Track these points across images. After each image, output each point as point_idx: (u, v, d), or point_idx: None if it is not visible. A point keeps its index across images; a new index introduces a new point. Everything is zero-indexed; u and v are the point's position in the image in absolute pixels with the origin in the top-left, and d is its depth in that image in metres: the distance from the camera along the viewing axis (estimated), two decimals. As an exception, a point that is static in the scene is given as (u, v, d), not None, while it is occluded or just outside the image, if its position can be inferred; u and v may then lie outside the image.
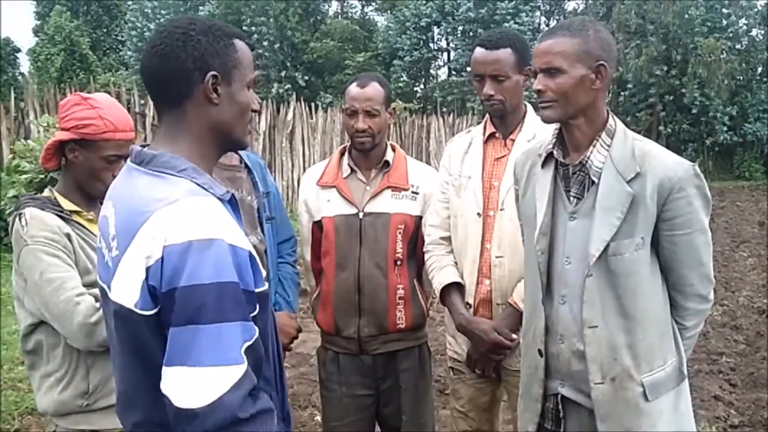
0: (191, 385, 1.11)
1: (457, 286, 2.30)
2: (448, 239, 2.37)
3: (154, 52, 1.29)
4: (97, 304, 1.77)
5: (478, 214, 2.26)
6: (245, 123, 1.38)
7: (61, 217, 1.89)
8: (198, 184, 1.24)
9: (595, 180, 1.73)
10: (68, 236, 1.87)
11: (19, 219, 1.86)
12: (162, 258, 1.15)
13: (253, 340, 1.18)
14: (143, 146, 1.33)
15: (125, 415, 1.32)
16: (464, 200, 2.30)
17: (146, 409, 1.25)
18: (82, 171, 1.93)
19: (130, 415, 1.30)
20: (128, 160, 1.36)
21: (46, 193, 1.99)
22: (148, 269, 1.16)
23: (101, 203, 1.99)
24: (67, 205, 1.93)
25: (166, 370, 1.13)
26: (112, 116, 1.91)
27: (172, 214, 1.17)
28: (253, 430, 1.14)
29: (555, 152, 1.80)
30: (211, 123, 1.32)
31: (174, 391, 1.12)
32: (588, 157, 1.74)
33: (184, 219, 1.17)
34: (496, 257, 2.22)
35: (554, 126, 1.82)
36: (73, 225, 1.91)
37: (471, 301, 2.28)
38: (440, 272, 2.33)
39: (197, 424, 1.10)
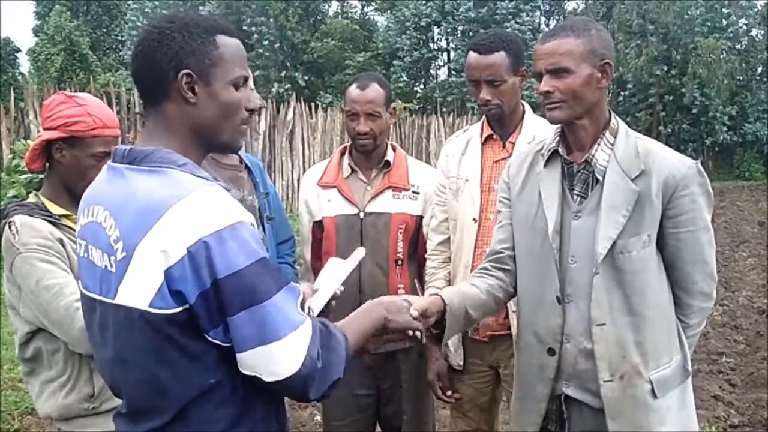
0: (279, 358, 1.18)
1: None
2: (446, 243, 2.37)
3: (136, 54, 1.29)
4: None
5: (474, 219, 2.25)
6: (234, 124, 1.34)
7: (51, 222, 1.85)
8: (201, 177, 1.24)
9: (600, 178, 1.73)
10: (61, 241, 1.82)
11: (9, 227, 1.81)
12: (189, 255, 1.14)
13: (301, 296, 1.26)
14: (127, 146, 1.31)
15: (138, 424, 1.29)
16: (461, 204, 2.29)
17: (165, 414, 1.24)
18: (70, 170, 1.89)
19: (145, 423, 1.27)
20: (110, 161, 1.33)
21: (32, 198, 1.94)
22: (169, 269, 1.15)
23: None
24: (56, 209, 1.89)
25: (245, 355, 1.19)
26: (99, 113, 1.88)
27: (188, 208, 1.16)
28: (333, 366, 1.26)
29: (560, 150, 1.79)
30: (191, 123, 1.30)
31: (264, 369, 1.19)
32: (593, 156, 1.74)
33: (202, 210, 1.17)
34: None
35: (554, 126, 1.82)
36: (64, 229, 1.87)
37: None
38: (427, 290, 2.37)
39: (297, 386, 1.22)
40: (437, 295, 1.80)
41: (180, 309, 1.17)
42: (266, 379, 1.20)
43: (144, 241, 1.17)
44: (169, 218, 1.16)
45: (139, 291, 1.18)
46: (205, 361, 1.22)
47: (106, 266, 1.25)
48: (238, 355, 1.20)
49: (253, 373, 1.21)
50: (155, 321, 1.18)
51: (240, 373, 1.23)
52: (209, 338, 1.20)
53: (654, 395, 1.72)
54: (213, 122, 1.31)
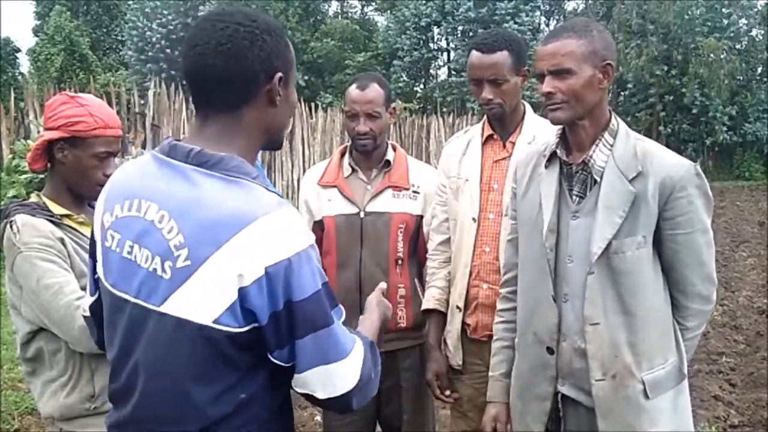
0: (339, 377, 1.22)
1: (436, 314, 2.35)
2: (446, 242, 2.37)
3: (219, 51, 1.20)
4: None
5: (473, 219, 2.25)
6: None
7: (52, 221, 1.85)
8: (274, 192, 1.21)
9: (598, 179, 1.73)
10: (62, 241, 1.83)
11: (10, 226, 1.81)
12: (267, 275, 1.13)
13: (343, 315, 1.27)
14: (177, 140, 1.26)
15: None
16: (461, 203, 2.29)
17: (189, 427, 1.21)
18: (71, 170, 1.89)
19: None
20: (160, 154, 1.25)
21: (34, 198, 1.95)
22: (245, 288, 1.13)
23: (90, 205, 1.98)
24: (57, 209, 1.89)
25: (304, 374, 1.20)
26: (101, 113, 1.88)
27: (268, 227, 1.14)
28: (377, 379, 1.31)
29: (558, 151, 1.80)
30: (269, 125, 1.28)
31: (320, 387, 1.22)
32: (591, 156, 1.74)
33: (283, 232, 1.15)
34: (497, 260, 2.21)
35: (555, 127, 1.82)
36: (65, 229, 1.87)
37: (460, 305, 2.29)
38: (427, 290, 2.38)
39: (347, 402, 1.25)
40: (495, 403, 2.03)
41: (248, 328, 1.17)
42: (319, 396, 1.23)
43: (216, 255, 1.13)
44: (247, 235, 1.12)
45: (201, 305, 1.15)
46: (248, 380, 1.22)
47: (155, 270, 1.19)
48: (296, 376, 1.21)
49: (306, 391, 1.23)
50: (215, 337, 1.16)
51: (268, 394, 1.25)
52: (271, 358, 1.21)
53: (646, 396, 1.71)
54: (283, 124, 1.32)
